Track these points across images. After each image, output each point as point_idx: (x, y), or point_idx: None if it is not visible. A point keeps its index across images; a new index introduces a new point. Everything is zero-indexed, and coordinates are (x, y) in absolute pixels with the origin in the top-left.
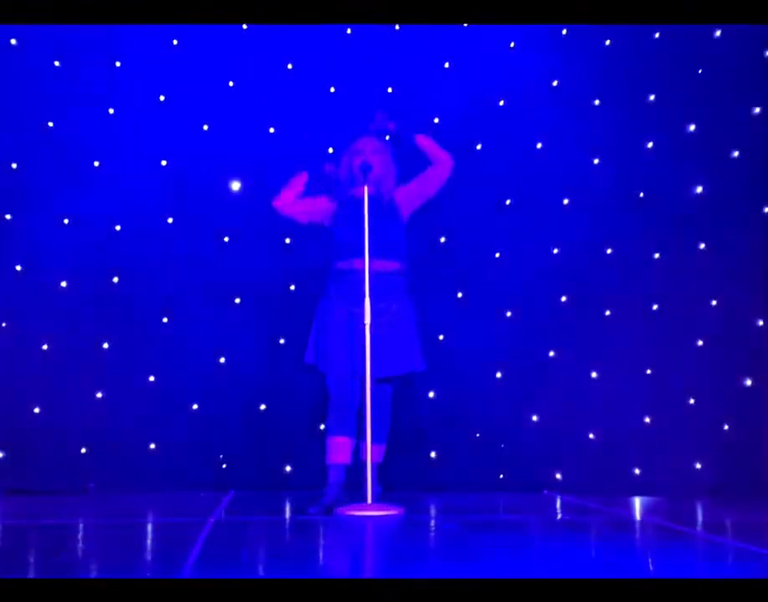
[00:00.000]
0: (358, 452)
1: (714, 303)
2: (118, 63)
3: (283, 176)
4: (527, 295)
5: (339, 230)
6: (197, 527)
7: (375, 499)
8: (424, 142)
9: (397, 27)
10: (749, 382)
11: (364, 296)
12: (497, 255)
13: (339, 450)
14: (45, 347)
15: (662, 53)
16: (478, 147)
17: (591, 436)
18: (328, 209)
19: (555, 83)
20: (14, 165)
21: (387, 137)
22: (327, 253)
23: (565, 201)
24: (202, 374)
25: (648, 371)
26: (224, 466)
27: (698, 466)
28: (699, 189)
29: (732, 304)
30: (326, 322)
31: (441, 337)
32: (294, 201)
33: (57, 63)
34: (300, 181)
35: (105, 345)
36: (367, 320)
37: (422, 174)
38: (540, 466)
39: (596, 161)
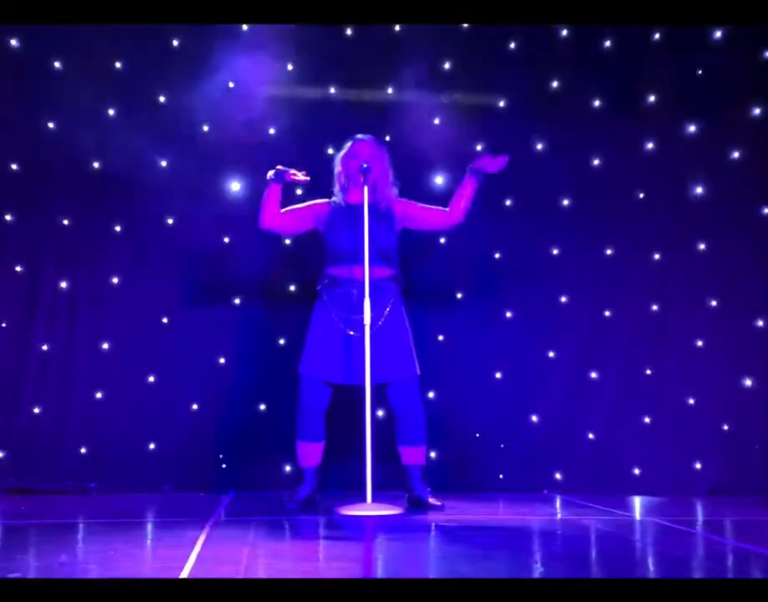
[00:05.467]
0: (399, 457)
1: (714, 303)
2: (118, 64)
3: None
4: (527, 295)
5: (333, 235)
6: (197, 527)
7: (427, 500)
8: (469, 191)
9: (397, 27)
10: (749, 382)
11: (359, 304)
12: (497, 255)
13: (310, 454)
14: (46, 347)
15: (662, 54)
16: (479, 148)
17: (591, 436)
18: (317, 215)
19: (555, 83)
20: (14, 166)
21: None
22: (322, 256)
23: (565, 202)
24: (202, 374)
25: (648, 371)
26: (224, 466)
27: (698, 466)
28: (699, 189)
29: (732, 304)
30: (319, 328)
31: (441, 337)
32: (278, 215)
33: (57, 64)
34: (274, 195)
35: (105, 345)
36: (367, 321)
37: (432, 211)
38: (540, 466)
39: (596, 161)
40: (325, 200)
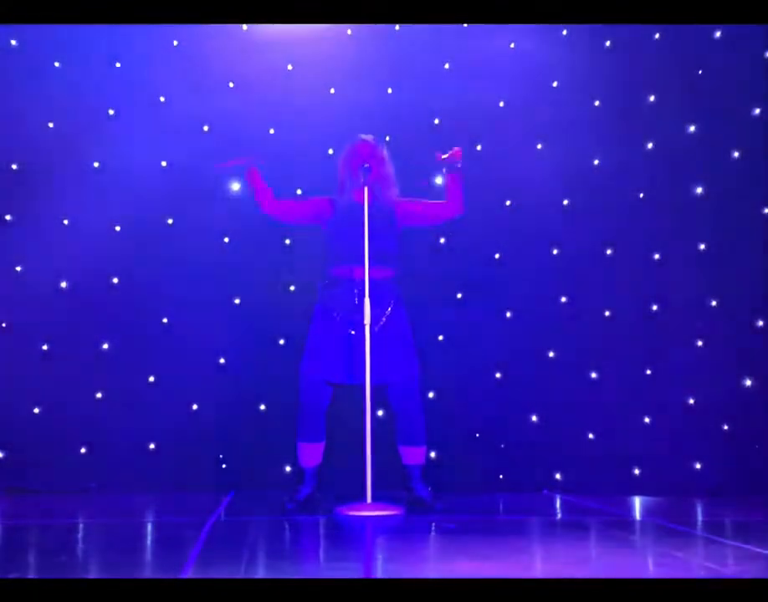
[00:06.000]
0: (399, 457)
1: (714, 303)
2: (118, 64)
3: (282, 176)
4: (527, 295)
5: (335, 234)
6: (197, 527)
7: (427, 500)
8: (454, 182)
9: (397, 27)
10: (749, 382)
11: (360, 304)
12: (497, 255)
13: (310, 454)
14: (45, 347)
15: (662, 54)
16: (479, 148)
17: (591, 436)
18: (321, 212)
19: (555, 83)
20: (14, 166)
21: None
22: (324, 256)
23: (565, 202)
24: (202, 374)
25: (648, 371)
26: (224, 466)
27: (698, 466)
28: (699, 189)
29: (732, 304)
30: (320, 328)
31: (441, 337)
32: (273, 200)
33: (57, 64)
34: (255, 178)
35: (105, 345)
36: (367, 320)
37: (431, 203)
38: (540, 466)
39: (596, 161)
40: (328, 197)
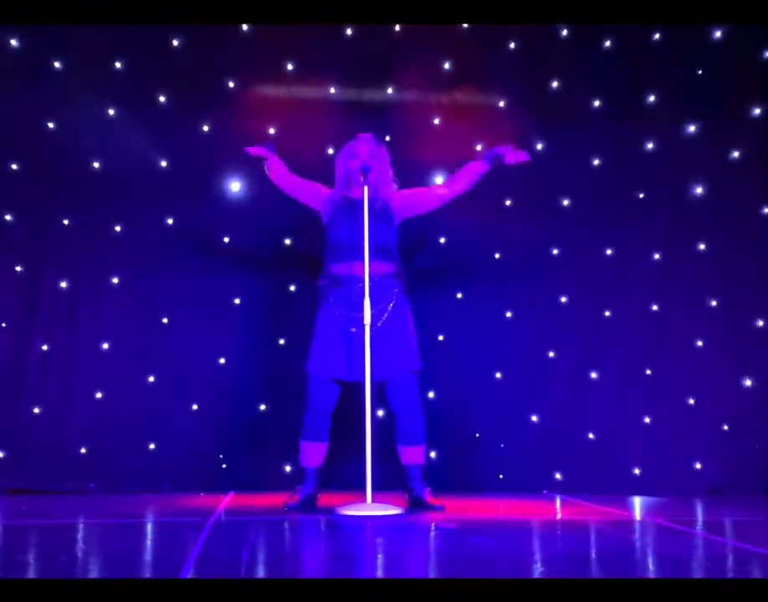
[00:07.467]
0: (399, 455)
1: (714, 303)
2: (118, 64)
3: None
4: (527, 295)
5: (334, 231)
6: (197, 527)
7: (425, 500)
8: (478, 171)
9: (397, 27)
10: (749, 382)
11: (361, 301)
12: (497, 255)
13: (313, 455)
14: (46, 347)
15: (662, 54)
16: (479, 148)
17: (591, 436)
18: (316, 198)
19: (555, 83)
20: (14, 166)
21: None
22: (324, 254)
23: (565, 202)
24: (202, 374)
25: (648, 371)
26: (224, 466)
27: (698, 466)
28: (699, 189)
29: (732, 304)
30: (324, 326)
31: (441, 337)
32: (285, 175)
33: (57, 64)
34: (274, 164)
35: (105, 345)
36: (367, 320)
37: (426, 193)
38: (540, 466)
39: (596, 161)
40: (330, 189)
